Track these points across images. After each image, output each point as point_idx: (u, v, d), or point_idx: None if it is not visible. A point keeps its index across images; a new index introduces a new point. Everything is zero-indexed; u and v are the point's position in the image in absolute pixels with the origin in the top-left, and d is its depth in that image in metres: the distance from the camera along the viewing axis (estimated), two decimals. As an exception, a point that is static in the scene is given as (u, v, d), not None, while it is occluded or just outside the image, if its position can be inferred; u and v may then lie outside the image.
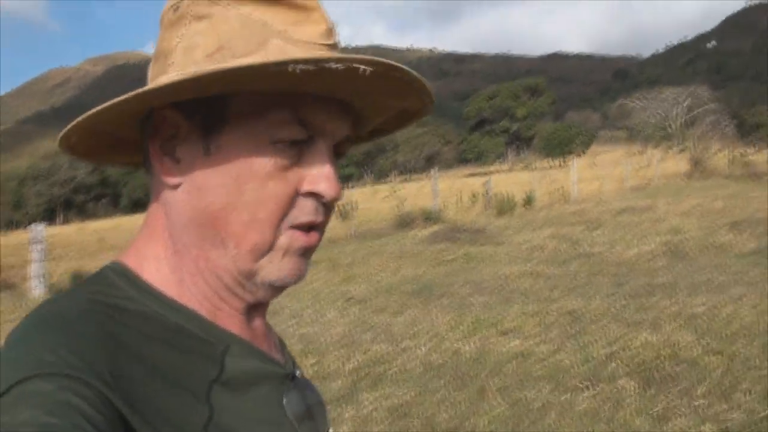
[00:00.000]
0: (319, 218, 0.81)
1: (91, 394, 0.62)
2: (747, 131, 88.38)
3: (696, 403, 5.00)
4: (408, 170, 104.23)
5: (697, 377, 5.51)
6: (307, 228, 0.81)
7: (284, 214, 0.79)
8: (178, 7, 0.80)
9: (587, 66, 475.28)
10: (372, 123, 0.92)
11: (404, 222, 19.43)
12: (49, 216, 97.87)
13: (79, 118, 0.77)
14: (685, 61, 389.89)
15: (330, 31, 0.81)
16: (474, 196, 25.37)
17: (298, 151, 0.79)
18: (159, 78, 0.77)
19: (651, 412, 4.95)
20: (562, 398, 5.35)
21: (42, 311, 0.71)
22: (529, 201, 24.06)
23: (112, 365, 0.66)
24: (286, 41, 0.76)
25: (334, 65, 0.69)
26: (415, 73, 0.76)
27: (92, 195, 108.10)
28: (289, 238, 0.79)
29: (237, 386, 0.78)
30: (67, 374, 0.62)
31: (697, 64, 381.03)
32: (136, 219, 44.07)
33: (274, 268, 0.80)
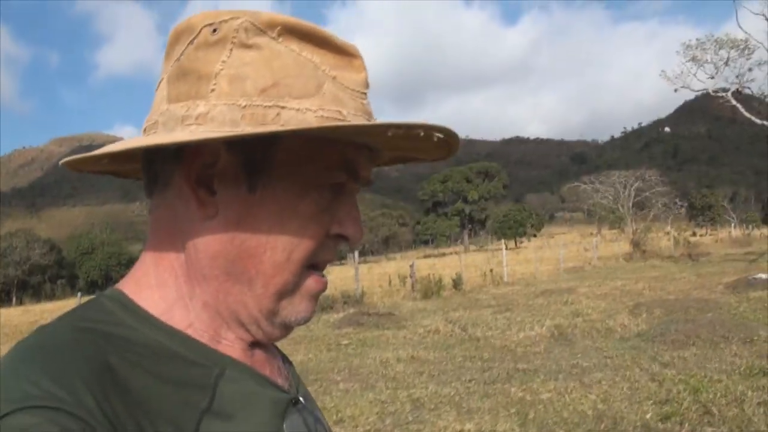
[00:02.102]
0: (334, 257, 0.84)
1: (76, 426, 0.61)
2: (697, 213, 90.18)
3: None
4: (365, 252, 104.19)
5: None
6: (322, 269, 0.82)
7: (314, 255, 0.79)
8: (217, 29, 0.75)
9: (546, 149, 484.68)
10: (381, 159, 0.91)
11: (325, 305, 19.18)
12: (5, 297, 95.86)
13: (131, 146, 0.73)
14: (641, 145, 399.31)
15: (367, 81, 0.81)
16: (401, 279, 25.24)
17: (334, 194, 0.79)
18: (212, 108, 0.73)
19: None
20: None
21: (27, 342, 0.70)
22: (457, 284, 23.94)
23: (98, 395, 0.64)
24: (337, 87, 0.76)
25: (421, 132, 0.72)
26: (457, 141, 0.81)
27: (48, 276, 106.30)
28: (312, 283, 0.81)
29: (230, 414, 0.75)
30: (52, 406, 0.60)
31: (653, 148, 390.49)
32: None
33: (293, 309, 0.81)
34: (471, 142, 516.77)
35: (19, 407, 0.60)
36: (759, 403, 6.28)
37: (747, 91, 28.39)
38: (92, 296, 0.82)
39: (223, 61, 0.74)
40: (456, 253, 76.25)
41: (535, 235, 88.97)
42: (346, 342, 12.70)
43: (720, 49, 27.92)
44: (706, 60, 28.24)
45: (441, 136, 0.75)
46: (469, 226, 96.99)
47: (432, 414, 7.05)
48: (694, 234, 69.77)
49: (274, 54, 0.74)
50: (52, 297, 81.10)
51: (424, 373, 9.21)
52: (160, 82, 0.80)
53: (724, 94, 27.99)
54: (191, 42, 0.76)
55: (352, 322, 15.10)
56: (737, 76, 28.03)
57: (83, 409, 0.62)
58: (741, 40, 27.50)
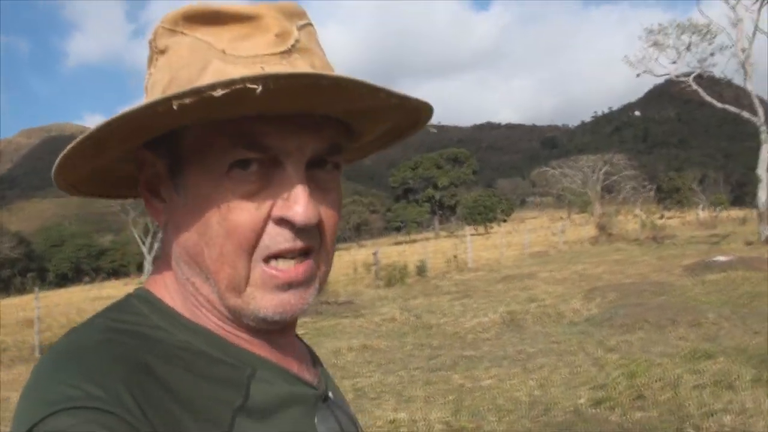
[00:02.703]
0: (299, 244, 0.75)
1: (116, 424, 0.62)
2: (665, 195, 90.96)
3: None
4: (337, 240, 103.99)
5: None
6: (297, 255, 0.75)
7: (254, 245, 0.74)
8: (150, 43, 0.78)
9: (517, 135, 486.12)
10: (369, 134, 0.87)
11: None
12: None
13: (54, 173, 0.76)
14: (611, 129, 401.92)
15: (282, 37, 0.74)
16: (367, 267, 25.21)
17: (262, 176, 0.73)
18: None
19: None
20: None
21: (62, 344, 0.71)
22: (421, 271, 23.93)
23: (136, 394, 0.65)
24: (225, 62, 0.72)
25: (215, 92, 0.63)
26: (343, 75, 0.69)
27: (18, 269, 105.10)
28: (261, 273, 0.74)
29: (264, 413, 0.75)
30: (91, 406, 0.62)
31: (624, 132, 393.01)
32: (59, 294, 42.81)
33: (258, 305, 0.75)
34: (443, 129, 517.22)
35: (60, 408, 0.61)
36: (695, 387, 6.31)
37: (712, 74, 28.56)
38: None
39: (150, 73, 0.78)
40: (427, 239, 76.44)
41: (505, 221, 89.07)
42: (302, 332, 12.13)
43: (682, 34, 28.03)
44: (669, 45, 28.35)
45: (395, 100, 0.74)
46: (440, 212, 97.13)
47: (372, 403, 7.02)
48: (662, 217, 70.37)
49: (175, 50, 0.75)
50: (22, 291, 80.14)
51: (373, 362, 9.18)
52: None
53: (685, 78, 28.12)
54: None
55: (310, 311, 14.95)
56: (699, 61, 28.17)
57: (122, 407, 0.62)
58: (703, 25, 27.63)
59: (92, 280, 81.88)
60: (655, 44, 28.39)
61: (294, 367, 0.84)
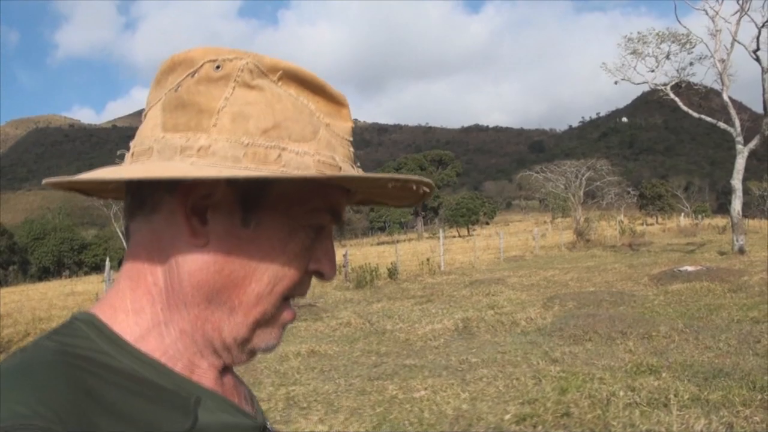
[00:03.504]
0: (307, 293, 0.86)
1: None
2: (647, 202, 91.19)
3: None
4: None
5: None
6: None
7: (292, 290, 0.82)
8: (220, 66, 0.77)
9: (505, 138, 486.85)
10: (353, 199, 0.93)
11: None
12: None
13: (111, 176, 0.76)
14: (598, 135, 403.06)
15: (351, 130, 0.85)
16: (338, 268, 24.99)
17: (317, 233, 0.82)
18: (213, 142, 0.75)
19: None
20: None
21: (11, 363, 0.71)
22: (392, 273, 23.71)
23: (83, 417, 0.66)
24: (330, 134, 0.80)
25: (414, 186, 0.79)
26: (433, 192, 0.83)
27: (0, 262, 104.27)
28: (287, 316, 0.83)
29: None
30: (41, 426, 0.62)
31: (610, 138, 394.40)
32: (37, 288, 42.32)
33: (264, 338, 0.82)
34: (430, 130, 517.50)
35: (11, 425, 0.61)
36: (627, 405, 6.11)
37: (690, 83, 28.46)
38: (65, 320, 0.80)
39: (226, 98, 0.76)
40: (410, 240, 76.26)
41: (487, 223, 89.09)
42: (256, 334, 12.42)
43: (661, 42, 27.92)
44: (648, 53, 28.23)
45: (427, 189, 0.81)
46: (423, 213, 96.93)
47: (300, 413, 6.79)
48: (644, 223, 70.48)
49: (276, 97, 0.77)
50: (4, 283, 79.59)
51: (316, 369, 8.95)
52: (150, 108, 0.81)
53: (663, 87, 28.01)
54: (191, 75, 0.78)
55: (269, 314, 14.82)
56: (678, 70, 28.06)
57: (69, 430, 0.63)
58: (682, 34, 27.54)
59: (73, 274, 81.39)
60: (634, 52, 28.26)
61: (235, 397, 0.86)
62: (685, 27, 27.27)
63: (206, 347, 0.80)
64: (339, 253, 34.35)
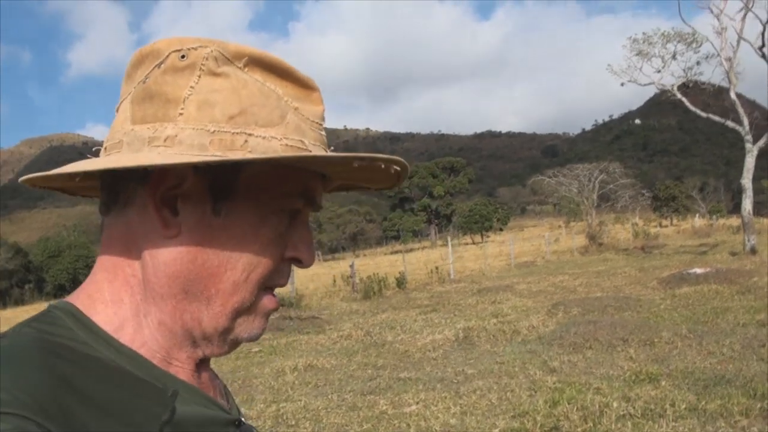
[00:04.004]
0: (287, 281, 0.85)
1: None
2: (661, 204, 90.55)
3: None
4: (332, 249, 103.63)
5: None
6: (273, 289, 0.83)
7: (270, 278, 0.81)
8: (185, 55, 0.77)
9: (518, 143, 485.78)
10: (330, 185, 0.92)
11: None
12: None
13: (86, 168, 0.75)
14: (612, 138, 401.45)
15: (324, 114, 0.84)
16: (345, 279, 24.79)
17: (291, 219, 0.82)
18: (180, 131, 0.75)
19: None
20: None
21: None
22: (400, 283, 23.50)
23: (61, 405, 0.65)
24: (299, 118, 0.79)
25: (383, 165, 0.78)
26: (407, 173, 0.84)
27: (15, 281, 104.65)
28: (266, 303, 0.82)
29: (188, 430, 0.76)
30: (20, 414, 0.61)
31: (624, 140, 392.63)
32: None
33: (247, 327, 0.82)
34: (443, 137, 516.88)
35: None
36: (620, 417, 5.91)
37: (699, 82, 28.11)
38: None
39: (191, 87, 0.76)
40: (423, 248, 76.06)
41: (501, 229, 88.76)
42: (256, 349, 12.24)
43: (667, 42, 27.58)
44: (654, 54, 27.90)
45: (398, 168, 0.80)
46: (436, 221, 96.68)
47: (287, 430, 6.62)
48: (658, 225, 69.88)
49: (241, 83, 0.77)
50: (21, 302, 79.89)
51: (311, 384, 8.79)
52: (121, 103, 0.81)
53: (669, 87, 27.69)
54: (158, 66, 0.77)
55: (272, 327, 14.60)
56: (684, 70, 27.70)
57: (49, 418, 0.62)
58: (688, 33, 27.21)
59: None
60: (640, 53, 27.95)
61: (210, 391, 0.86)
62: (690, 26, 26.94)
63: (185, 339, 0.80)
64: (345, 264, 34.26)
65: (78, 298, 0.80)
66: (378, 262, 46.72)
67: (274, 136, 0.76)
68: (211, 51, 0.77)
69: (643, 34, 27.77)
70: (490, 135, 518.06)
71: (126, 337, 0.77)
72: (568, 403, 6.18)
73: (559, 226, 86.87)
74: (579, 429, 5.61)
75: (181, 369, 0.81)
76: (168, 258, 0.78)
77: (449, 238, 33.44)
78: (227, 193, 0.77)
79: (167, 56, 0.77)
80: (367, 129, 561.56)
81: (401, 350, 10.62)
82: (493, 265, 31.60)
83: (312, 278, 34.93)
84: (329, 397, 7.87)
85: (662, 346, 8.82)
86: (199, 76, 0.76)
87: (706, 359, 7.99)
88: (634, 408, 6.05)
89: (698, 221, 63.66)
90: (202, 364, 0.85)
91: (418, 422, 6.36)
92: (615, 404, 6.16)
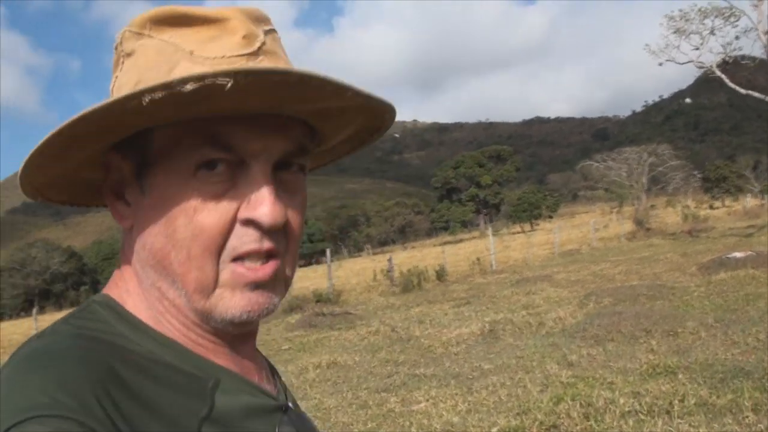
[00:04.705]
0: (266, 245, 0.75)
1: None
2: (711, 185, 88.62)
3: None
4: (381, 243, 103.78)
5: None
6: (263, 257, 0.76)
7: (221, 247, 0.74)
8: (116, 47, 0.78)
9: (567, 128, 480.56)
10: (332, 138, 0.88)
11: (294, 305, 18.64)
12: (27, 306, 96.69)
13: (21, 173, 0.75)
14: (662, 118, 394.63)
15: (248, 39, 0.75)
16: (385, 273, 24.77)
17: (229, 177, 0.74)
18: None
19: None
20: None
21: (29, 349, 0.70)
22: (440, 275, 23.42)
23: (104, 403, 0.64)
24: (193, 62, 0.73)
25: (186, 86, 0.64)
26: (311, 71, 0.69)
27: (70, 283, 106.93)
28: (231, 273, 0.75)
29: (227, 424, 0.74)
30: (62, 415, 0.60)
31: (675, 121, 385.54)
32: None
33: (227, 305, 0.75)
34: (491, 126, 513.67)
35: (29, 416, 0.59)
36: (625, 413, 5.76)
37: (740, 57, 27.43)
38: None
39: (116, 77, 0.78)
40: (473, 238, 75.72)
41: (551, 217, 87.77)
42: (286, 347, 12.33)
43: (705, 18, 26.94)
44: (692, 30, 27.29)
45: (228, 81, 0.64)
46: (485, 210, 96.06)
47: None
48: (710, 207, 68.40)
49: (141, 52, 0.75)
50: (77, 303, 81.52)
51: (330, 381, 8.83)
52: None
53: (708, 66, 27.04)
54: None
55: (305, 324, 14.70)
56: (723, 46, 27.04)
57: (90, 416, 0.61)
58: (725, 8, 26.54)
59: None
60: (677, 31, 27.33)
61: (255, 377, 0.84)
62: (727, 0, 26.22)
63: (189, 323, 0.78)
64: (383, 258, 34.12)
65: (112, 289, 0.81)
66: (425, 254, 46.65)
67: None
68: (123, 33, 0.77)
69: (680, 11, 27.14)
70: (539, 121, 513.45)
71: (162, 327, 0.77)
72: (572, 400, 6.07)
73: (611, 212, 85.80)
74: (578, 427, 5.50)
75: (216, 354, 0.79)
76: (138, 249, 0.78)
77: (490, 229, 33.22)
78: (144, 170, 0.75)
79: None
80: (414, 121, 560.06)
81: (425, 345, 10.57)
82: (537, 254, 31.32)
83: (357, 273, 35.09)
84: (344, 395, 7.87)
85: (686, 337, 8.61)
86: (122, 62, 0.77)
87: (729, 350, 7.77)
88: (640, 404, 5.90)
89: (750, 201, 61.90)
90: (240, 344, 0.83)
91: (422, 420, 6.32)
92: (622, 400, 6.01)
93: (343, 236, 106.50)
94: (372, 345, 11.31)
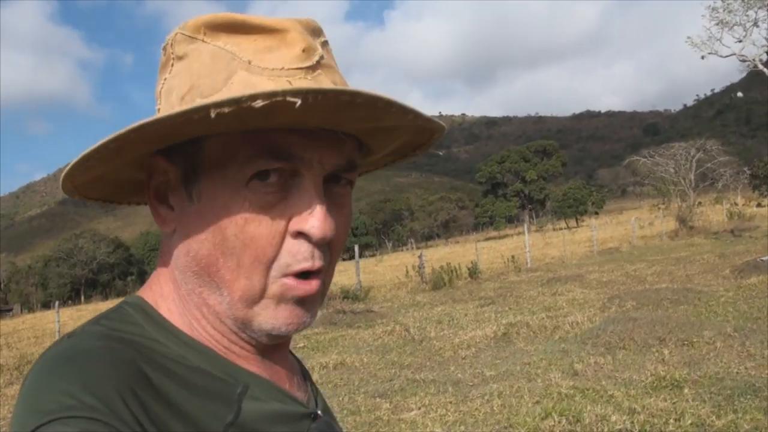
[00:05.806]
0: (317, 263, 0.75)
1: None
2: (760, 182, 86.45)
3: None
4: (425, 237, 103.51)
5: None
6: (305, 275, 0.75)
7: (272, 258, 0.73)
8: (165, 49, 0.78)
9: (618, 122, 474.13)
10: (380, 151, 0.87)
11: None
12: (75, 295, 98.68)
13: (65, 173, 0.75)
14: (713, 113, 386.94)
15: (307, 52, 0.74)
16: (415, 269, 24.53)
17: (281, 188, 0.73)
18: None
19: None
20: None
21: (58, 350, 0.70)
22: (472, 273, 23.11)
23: (132, 404, 0.65)
24: (251, 72, 0.72)
25: (255, 103, 0.63)
26: (378, 94, 0.68)
27: (116, 273, 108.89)
28: (281, 287, 0.74)
29: (254, 429, 0.75)
30: (87, 417, 0.61)
31: (726, 115, 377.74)
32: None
33: (268, 317, 0.75)
34: (541, 120, 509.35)
35: (54, 418, 0.60)
36: (615, 431, 5.49)
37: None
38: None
39: (165, 79, 0.77)
40: (518, 234, 75.06)
41: (597, 213, 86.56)
42: (302, 345, 12.18)
43: (748, 9, 26.05)
44: (735, 22, 26.41)
45: (297, 100, 0.64)
46: (530, 206, 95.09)
47: (279, 440, 6.47)
48: (759, 204, 66.82)
49: (195, 57, 0.74)
50: (124, 293, 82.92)
51: (331, 384, 8.64)
52: None
53: (751, 59, 26.17)
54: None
55: (325, 321, 14.53)
56: (767, 38, 26.12)
57: (117, 417, 0.61)
58: (769, -3, 25.60)
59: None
60: (720, 22, 26.48)
61: (285, 383, 0.83)
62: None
63: (225, 330, 0.77)
64: (435, 252, 33.88)
65: (146, 292, 0.80)
66: (467, 250, 46.31)
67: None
68: (174, 35, 0.76)
69: (722, 1, 26.29)
70: (589, 115, 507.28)
71: (194, 331, 0.76)
72: (560, 416, 5.80)
73: (659, 209, 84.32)
74: (560, 446, 5.24)
75: (247, 360, 0.78)
76: (179, 253, 0.77)
77: (525, 226, 32.72)
78: (194, 177, 0.74)
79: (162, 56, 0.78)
80: (463, 115, 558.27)
81: (436, 348, 10.34)
82: (575, 252, 30.81)
83: (396, 268, 34.92)
84: (340, 399, 7.69)
85: (700, 347, 8.25)
86: (172, 65, 0.76)
87: (743, 362, 7.41)
88: (632, 423, 5.61)
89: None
90: (272, 350, 0.82)
91: (405, 431, 6.11)
92: (614, 417, 5.73)
93: (386, 230, 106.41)
94: (384, 346, 11.11)
